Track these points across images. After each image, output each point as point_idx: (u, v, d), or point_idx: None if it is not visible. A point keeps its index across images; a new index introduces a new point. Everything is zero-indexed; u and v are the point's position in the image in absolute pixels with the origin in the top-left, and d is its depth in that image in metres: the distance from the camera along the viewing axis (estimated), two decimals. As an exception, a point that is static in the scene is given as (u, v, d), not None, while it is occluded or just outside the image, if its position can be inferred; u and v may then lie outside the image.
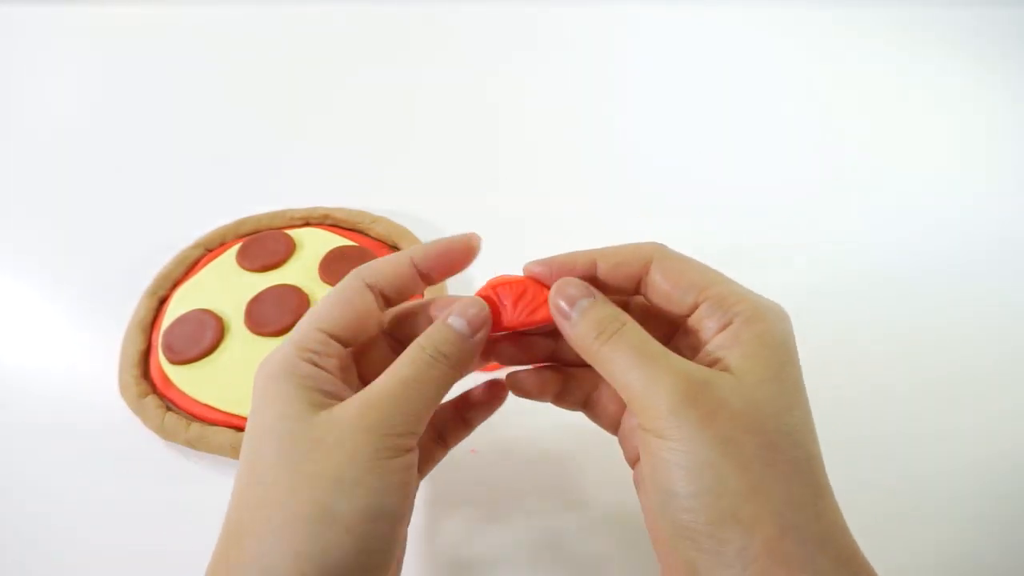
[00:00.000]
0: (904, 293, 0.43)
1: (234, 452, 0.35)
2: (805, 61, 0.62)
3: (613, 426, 0.29)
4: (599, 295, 0.26)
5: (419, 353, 0.25)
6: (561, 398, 0.29)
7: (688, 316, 0.25)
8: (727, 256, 0.45)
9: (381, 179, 0.51)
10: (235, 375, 0.37)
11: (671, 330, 0.27)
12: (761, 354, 0.23)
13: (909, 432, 0.36)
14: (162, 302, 0.42)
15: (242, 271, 0.42)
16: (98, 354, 0.40)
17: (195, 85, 0.61)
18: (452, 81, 0.60)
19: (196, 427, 0.35)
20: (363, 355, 0.27)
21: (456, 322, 0.26)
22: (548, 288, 0.27)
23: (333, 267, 0.42)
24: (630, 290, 0.27)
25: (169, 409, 0.37)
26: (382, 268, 0.27)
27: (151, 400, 0.37)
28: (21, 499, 0.35)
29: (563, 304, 0.26)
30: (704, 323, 0.25)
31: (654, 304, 0.26)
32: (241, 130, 0.56)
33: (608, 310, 0.25)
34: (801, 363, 0.24)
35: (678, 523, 0.22)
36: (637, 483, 0.27)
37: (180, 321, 0.40)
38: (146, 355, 0.39)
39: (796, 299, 0.42)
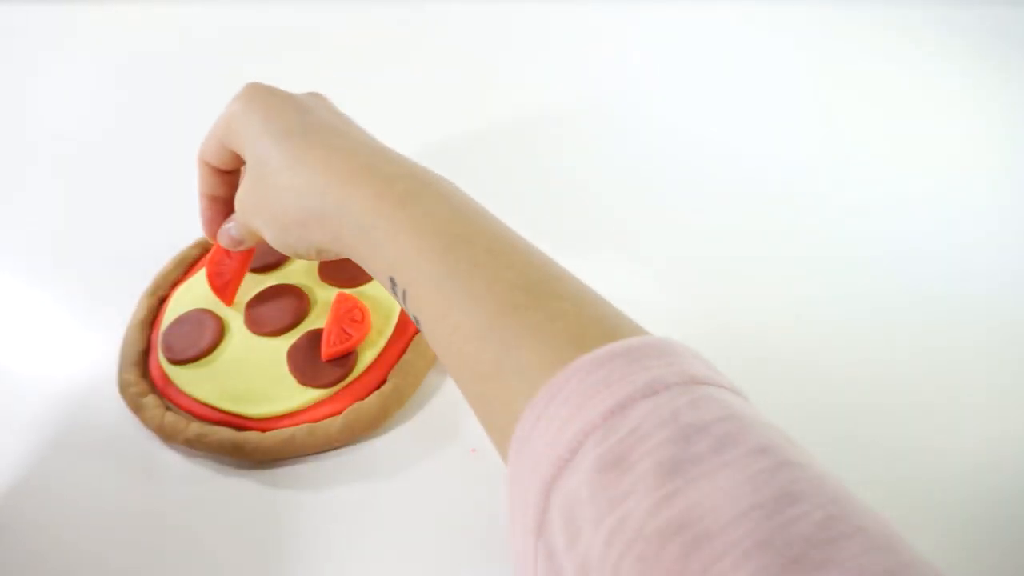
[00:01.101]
0: (904, 293, 0.43)
1: (234, 452, 0.35)
2: (805, 61, 0.62)
3: None
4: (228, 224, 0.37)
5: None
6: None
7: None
8: (727, 253, 0.45)
9: (381, 179, 0.51)
10: (235, 375, 0.37)
11: None
12: (243, 142, 0.33)
13: (910, 433, 0.36)
14: (162, 302, 0.42)
15: (242, 271, 0.42)
16: (98, 354, 0.40)
17: (195, 85, 0.61)
18: (452, 81, 0.60)
19: (196, 427, 0.35)
20: None
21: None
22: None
23: (333, 267, 0.42)
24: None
25: (169, 409, 0.37)
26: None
27: (151, 400, 0.37)
28: (21, 499, 0.35)
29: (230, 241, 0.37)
30: None
31: (220, 167, 0.36)
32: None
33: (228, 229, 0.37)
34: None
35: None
36: None
37: (180, 321, 0.40)
38: (146, 355, 0.39)
39: (796, 297, 0.43)
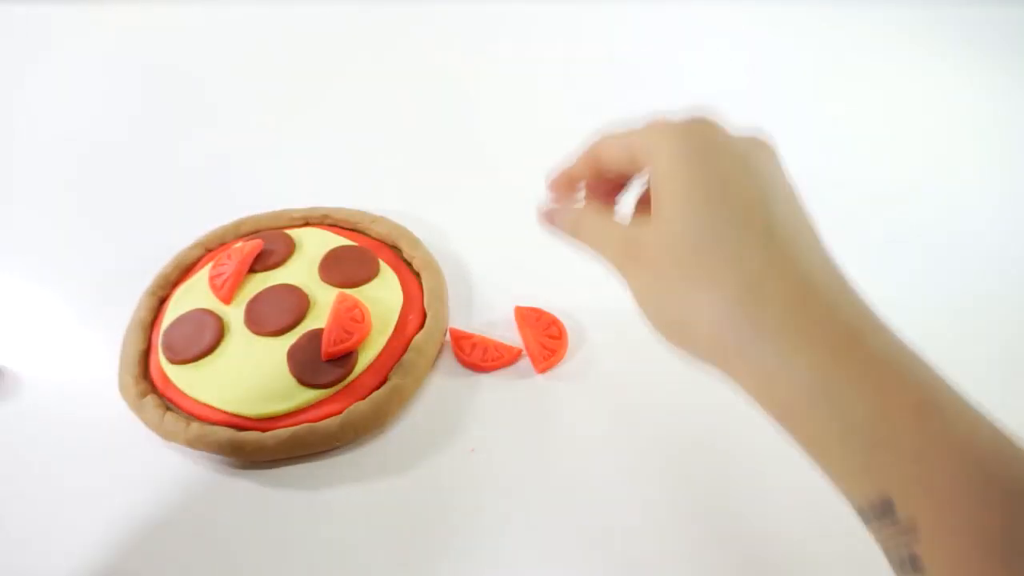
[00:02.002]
0: (904, 292, 0.43)
1: (234, 451, 0.35)
2: (805, 61, 0.62)
3: None
4: (567, 205, 0.32)
5: None
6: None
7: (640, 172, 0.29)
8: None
9: (381, 179, 0.51)
10: (235, 375, 0.37)
11: None
12: (668, 181, 0.26)
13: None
14: (162, 302, 0.42)
15: (242, 271, 0.42)
16: (98, 354, 0.40)
17: (195, 85, 0.61)
18: (452, 81, 0.60)
19: (196, 427, 0.35)
20: None
21: None
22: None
23: (333, 267, 0.42)
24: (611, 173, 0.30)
25: (169, 409, 0.37)
26: None
27: (151, 400, 0.37)
28: (21, 498, 0.35)
29: (547, 219, 0.32)
30: (645, 172, 0.28)
31: (617, 173, 0.30)
32: (241, 130, 0.56)
33: (571, 214, 0.31)
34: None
35: (664, 339, 0.26)
36: None
37: (180, 321, 0.40)
38: (146, 355, 0.39)
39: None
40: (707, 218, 0.24)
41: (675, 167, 0.25)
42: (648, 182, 0.28)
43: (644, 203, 0.31)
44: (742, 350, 0.23)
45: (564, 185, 0.32)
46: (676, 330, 0.26)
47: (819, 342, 0.22)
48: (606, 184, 0.31)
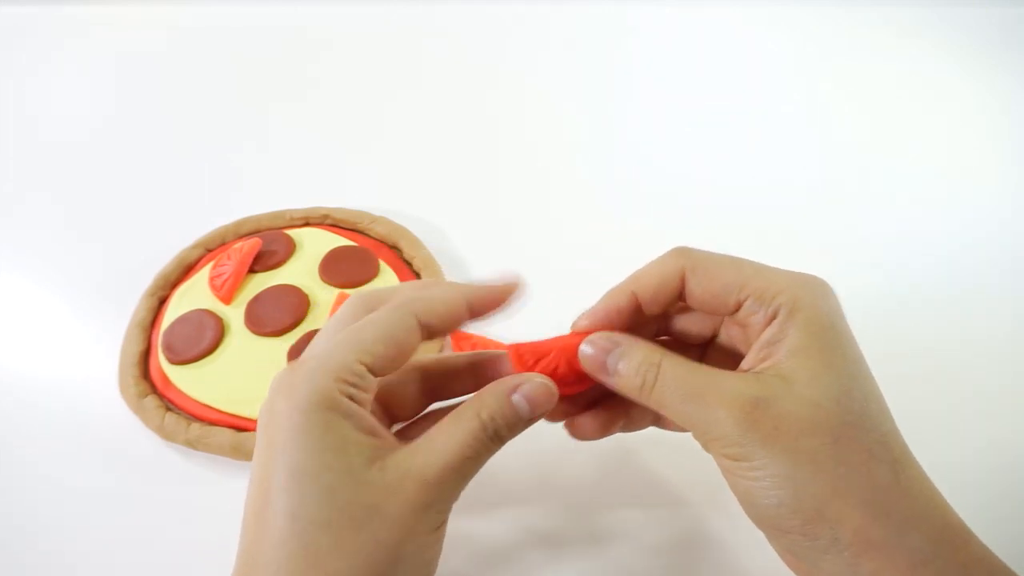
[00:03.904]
0: (904, 293, 0.43)
1: (234, 452, 0.35)
2: (805, 61, 0.62)
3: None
4: (625, 343, 0.25)
5: (481, 432, 0.24)
6: (628, 428, 0.29)
7: (733, 313, 0.25)
8: (729, 252, 0.45)
9: (381, 179, 0.51)
10: (235, 375, 0.37)
11: (718, 326, 0.27)
12: (810, 346, 0.23)
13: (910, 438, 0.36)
14: (162, 302, 0.42)
15: (242, 271, 0.42)
16: (98, 354, 0.40)
17: (195, 85, 0.61)
18: (452, 81, 0.60)
19: (196, 427, 0.35)
20: (387, 384, 0.27)
21: (521, 405, 0.25)
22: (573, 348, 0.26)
23: (333, 267, 0.42)
24: (674, 304, 0.27)
25: (169, 409, 0.37)
26: (437, 308, 0.25)
27: (151, 400, 0.37)
28: (21, 499, 0.35)
29: (596, 365, 0.26)
30: (751, 319, 0.24)
31: (698, 310, 0.27)
32: (241, 130, 0.56)
33: (638, 356, 0.25)
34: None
35: (770, 525, 0.23)
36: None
37: (180, 321, 0.40)
38: (146, 355, 0.39)
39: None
40: (857, 396, 0.23)
41: (819, 332, 0.23)
42: (765, 334, 0.24)
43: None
44: (889, 540, 0.22)
45: (609, 318, 0.26)
46: (811, 517, 0.22)
47: (951, 532, 0.22)
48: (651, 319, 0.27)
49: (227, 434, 0.35)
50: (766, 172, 0.51)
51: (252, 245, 0.42)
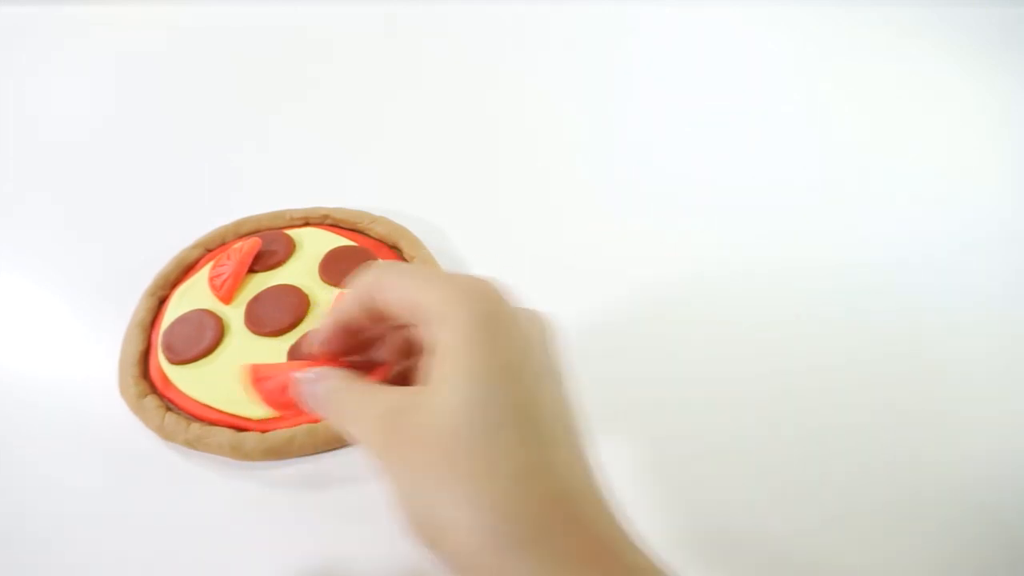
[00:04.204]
0: (904, 292, 0.43)
1: (234, 452, 0.35)
2: (805, 61, 0.62)
3: None
4: (320, 376, 0.27)
5: None
6: None
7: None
8: (727, 254, 0.45)
9: (381, 179, 0.51)
10: (235, 375, 0.37)
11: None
12: (449, 352, 0.23)
13: (908, 436, 0.36)
14: (162, 302, 0.42)
15: (242, 271, 0.42)
16: (98, 354, 0.40)
17: (195, 85, 0.61)
18: (453, 81, 0.60)
19: (196, 427, 0.35)
20: None
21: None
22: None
23: (333, 267, 0.42)
24: (384, 320, 0.27)
25: (169, 409, 0.37)
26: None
27: (151, 400, 0.37)
28: (21, 499, 0.35)
29: (299, 398, 0.27)
30: (421, 332, 0.25)
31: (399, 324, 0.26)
32: (241, 130, 0.56)
33: (323, 383, 0.26)
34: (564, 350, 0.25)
35: (421, 544, 0.23)
36: None
37: (180, 321, 0.40)
38: (146, 355, 0.39)
39: (795, 298, 0.42)
40: (485, 404, 0.22)
41: (460, 339, 0.23)
42: (426, 346, 0.24)
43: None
44: (498, 559, 0.21)
45: (337, 341, 0.28)
46: (432, 534, 0.22)
47: (573, 558, 0.21)
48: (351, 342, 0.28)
49: (227, 434, 0.35)
50: (766, 172, 0.51)
51: (252, 245, 0.42)
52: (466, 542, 0.21)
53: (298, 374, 0.27)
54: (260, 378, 0.30)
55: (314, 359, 0.28)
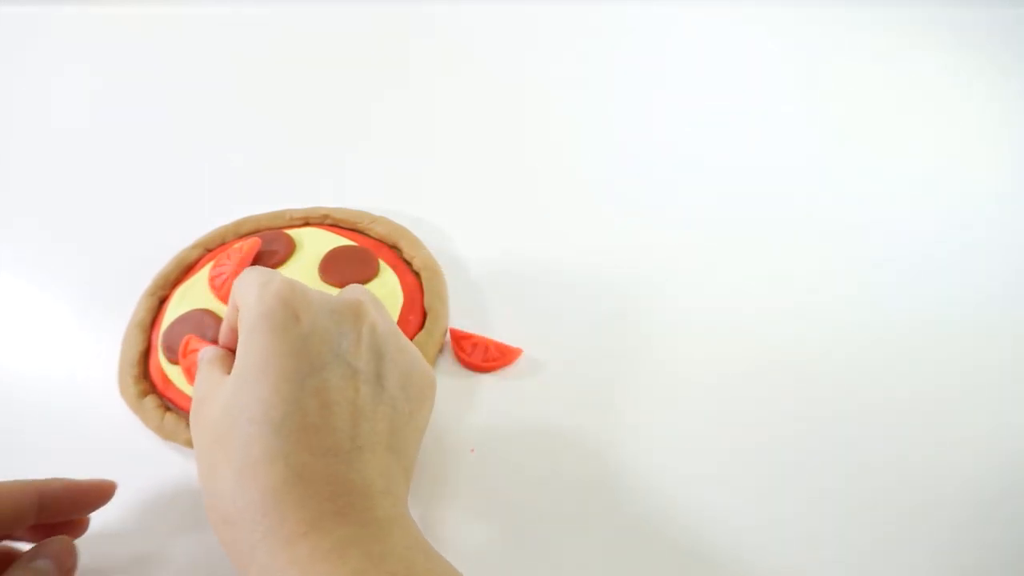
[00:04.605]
0: (903, 293, 0.43)
1: (234, 452, 0.35)
2: (806, 61, 0.62)
3: None
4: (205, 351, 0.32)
5: None
6: None
7: None
8: (728, 253, 0.45)
9: (381, 179, 0.51)
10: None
11: None
12: (238, 353, 0.27)
13: (906, 435, 0.36)
14: (162, 302, 0.42)
15: (242, 271, 0.42)
16: (98, 354, 0.40)
17: (195, 85, 0.61)
18: (453, 80, 0.60)
19: (196, 427, 0.35)
20: None
21: (43, 565, 0.27)
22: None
23: (333, 267, 0.42)
24: None
25: (169, 409, 0.37)
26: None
27: (151, 400, 0.37)
28: (21, 499, 0.35)
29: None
30: None
31: None
32: (241, 130, 0.56)
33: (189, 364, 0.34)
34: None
35: None
36: None
37: (180, 321, 0.40)
38: (146, 355, 0.39)
39: (793, 298, 0.43)
40: (241, 400, 0.26)
41: (243, 339, 0.27)
42: None
43: None
44: (229, 539, 0.25)
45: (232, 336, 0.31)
46: (205, 504, 0.26)
47: (276, 534, 0.23)
48: None
49: (227, 434, 0.35)
50: (767, 172, 0.51)
51: (252, 245, 0.42)
52: (210, 510, 0.26)
53: (200, 351, 0.32)
54: (190, 350, 0.36)
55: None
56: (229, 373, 0.28)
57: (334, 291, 0.40)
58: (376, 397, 0.27)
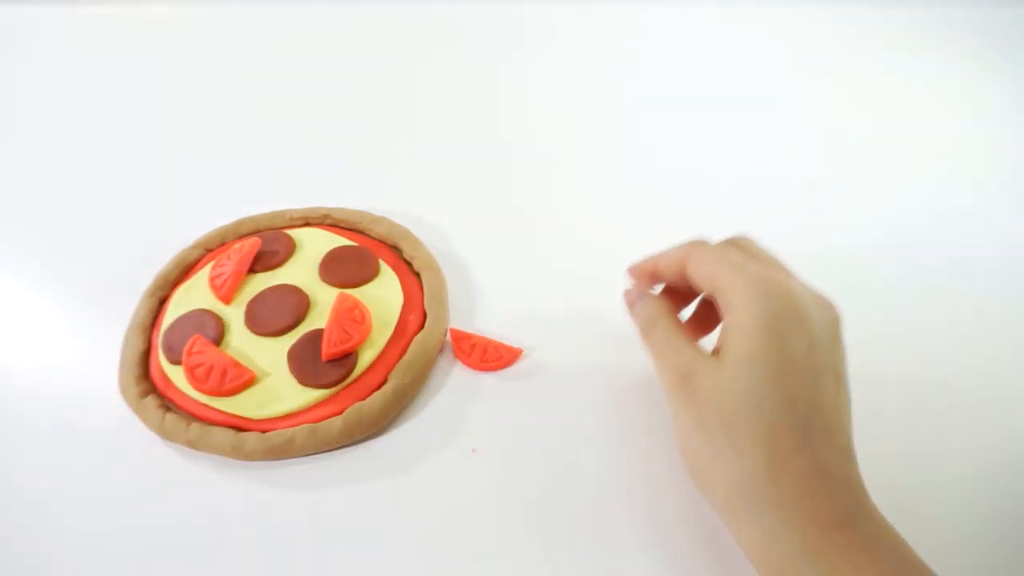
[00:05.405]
0: (903, 294, 0.43)
1: (234, 452, 0.35)
2: (806, 61, 0.62)
3: None
4: (645, 297, 0.34)
5: None
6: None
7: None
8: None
9: (382, 179, 0.51)
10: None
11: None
12: (739, 340, 0.28)
13: (905, 435, 0.36)
14: (162, 302, 0.42)
15: (242, 271, 0.42)
16: (98, 354, 0.40)
17: (195, 85, 0.61)
18: (454, 80, 0.60)
19: (196, 427, 0.35)
20: None
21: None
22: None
23: (333, 267, 0.42)
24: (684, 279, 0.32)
25: (169, 409, 0.37)
26: None
27: (151, 400, 0.37)
28: (21, 499, 0.35)
29: (628, 302, 0.35)
30: (720, 309, 0.30)
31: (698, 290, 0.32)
32: (241, 130, 0.56)
33: (648, 311, 0.33)
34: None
35: (689, 476, 0.31)
36: None
37: (180, 321, 0.40)
38: (146, 355, 0.39)
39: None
40: (762, 390, 0.27)
41: (751, 331, 0.28)
42: (723, 324, 0.29)
43: (702, 323, 0.35)
44: (749, 515, 0.27)
45: (644, 276, 0.34)
46: (699, 477, 0.29)
47: (813, 524, 0.25)
48: (683, 286, 0.33)
49: (227, 434, 0.35)
50: (766, 171, 0.51)
51: (252, 245, 0.42)
52: (728, 487, 0.27)
53: (631, 287, 0.35)
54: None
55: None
56: (692, 340, 0.31)
57: (334, 292, 0.40)
58: (848, 400, 0.29)
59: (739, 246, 0.32)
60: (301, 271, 0.42)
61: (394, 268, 0.42)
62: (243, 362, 0.37)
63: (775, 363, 0.27)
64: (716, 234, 0.45)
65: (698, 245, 0.32)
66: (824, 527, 0.25)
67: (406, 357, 0.38)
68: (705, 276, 0.30)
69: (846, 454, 0.27)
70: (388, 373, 0.37)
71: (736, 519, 0.28)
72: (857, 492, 0.27)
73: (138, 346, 0.39)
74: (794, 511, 0.26)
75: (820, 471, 0.26)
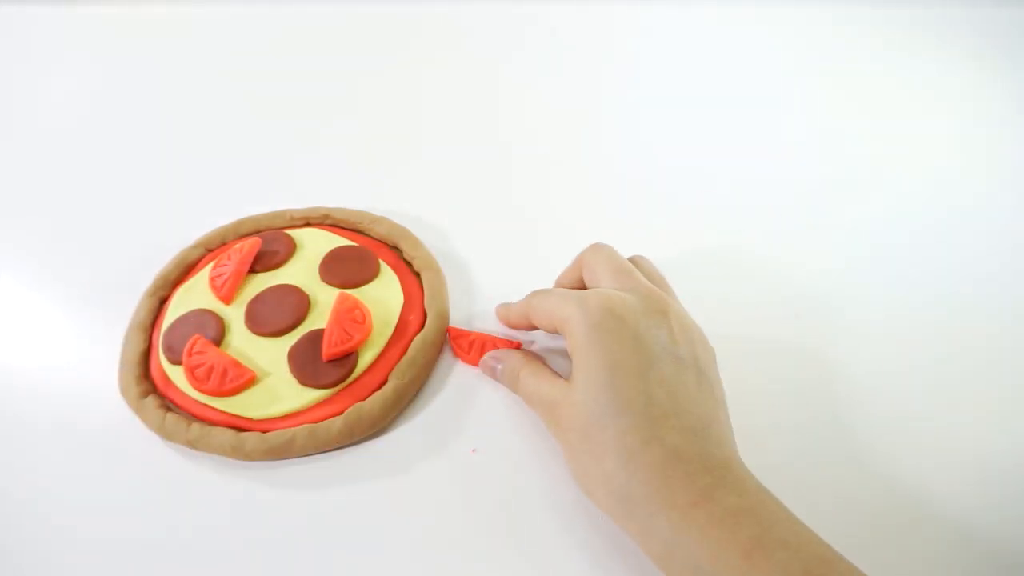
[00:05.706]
0: (902, 293, 0.43)
1: (234, 452, 0.35)
2: (806, 61, 0.62)
3: None
4: (502, 356, 0.37)
5: None
6: None
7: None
8: (728, 253, 0.45)
9: (382, 179, 0.51)
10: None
11: None
12: (576, 360, 0.31)
13: (904, 435, 0.36)
14: (162, 302, 0.42)
15: (242, 271, 0.42)
16: (98, 354, 0.40)
17: (195, 85, 0.61)
18: (454, 81, 0.60)
19: (196, 427, 0.35)
20: None
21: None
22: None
23: (333, 267, 0.42)
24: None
25: (169, 409, 0.37)
26: None
27: (151, 400, 0.37)
28: (21, 499, 0.35)
29: (489, 374, 0.38)
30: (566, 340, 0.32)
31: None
32: (241, 130, 0.56)
33: (507, 368, 0.36)
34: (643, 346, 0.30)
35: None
36: None
37: (180, 321, 0.40)
38: (146, 355, 0.39)
39: (795, 298, 0.43)
40: (600, 399, 0.29)
41: (582, 348, 0.30)
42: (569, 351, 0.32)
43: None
44: (626, 515, 0.28)
45: (507, 324, 0.39)
46: (587, 493, 0.31)
47: (674, 508, 0.27)
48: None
49: (227, 434, 0.35)
50: (767, 172, 0.51)
51: (252, 245, 0.42)
52: (602, 493, 0.29)
53: (486, 355, 0.37)
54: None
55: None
56: (554, 374, 0.33)
57: (335, 292, 0.40)
58: (698, 379, 0.30)
59: (634, 263, 0.35)
60: (301, 271, 0.42)
61: (394, 268, 0.42)
62: (243, 362, 0.37)
63: (605, 370, 0.29)
64: (716, 234, 0.45)
65: (536, 294, 0.35)
66: (683, 508, 0.27)
67: (406, 357, 0.38)
68: (545, 319, 0.34)
69: (698, 433, 0.29)
70: (388, 373, 0.37)
71: (621, 522, 0.29)
72: (716, 468, 0.28)
73: (138, 346, 0.39)
74: (655, 500, 0.27)
75: (671, 456, 0.28)
